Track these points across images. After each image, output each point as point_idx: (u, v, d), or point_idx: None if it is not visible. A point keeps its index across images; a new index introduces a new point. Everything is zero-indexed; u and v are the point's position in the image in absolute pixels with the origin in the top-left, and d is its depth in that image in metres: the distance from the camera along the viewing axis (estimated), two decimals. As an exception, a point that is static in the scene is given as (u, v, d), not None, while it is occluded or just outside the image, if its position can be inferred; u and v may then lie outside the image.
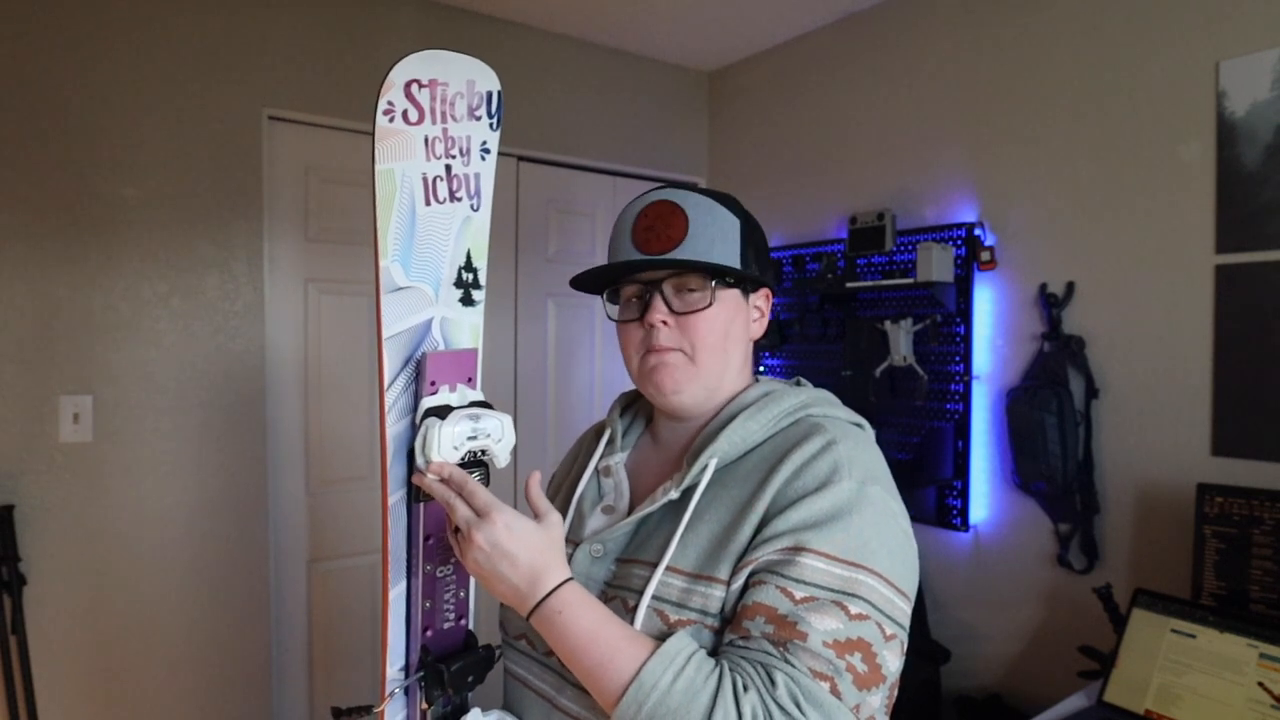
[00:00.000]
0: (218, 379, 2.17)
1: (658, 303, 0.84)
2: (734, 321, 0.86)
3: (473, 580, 0.92)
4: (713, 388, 0.87)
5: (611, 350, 2.93)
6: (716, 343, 0.85)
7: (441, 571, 0.88)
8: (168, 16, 2.08)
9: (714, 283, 0.84)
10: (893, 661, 0.72)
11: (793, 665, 0.67)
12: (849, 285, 2.44)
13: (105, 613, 2.03)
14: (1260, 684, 1.39)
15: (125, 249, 2.04)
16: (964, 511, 2.25)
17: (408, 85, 0.84)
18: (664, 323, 0.84)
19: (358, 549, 2.44)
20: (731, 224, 0.85)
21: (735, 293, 0.86)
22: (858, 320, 2.50)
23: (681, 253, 0.82)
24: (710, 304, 0.84)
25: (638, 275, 0.86)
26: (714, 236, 0.84)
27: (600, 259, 2.89)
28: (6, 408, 1.91)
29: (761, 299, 0.91)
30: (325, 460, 2.38)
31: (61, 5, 1.95)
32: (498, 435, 0.84)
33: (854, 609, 0.70)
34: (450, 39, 2.51)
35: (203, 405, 2.15)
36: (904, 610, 0.74)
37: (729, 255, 0.84)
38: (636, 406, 1.00)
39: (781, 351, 2.79)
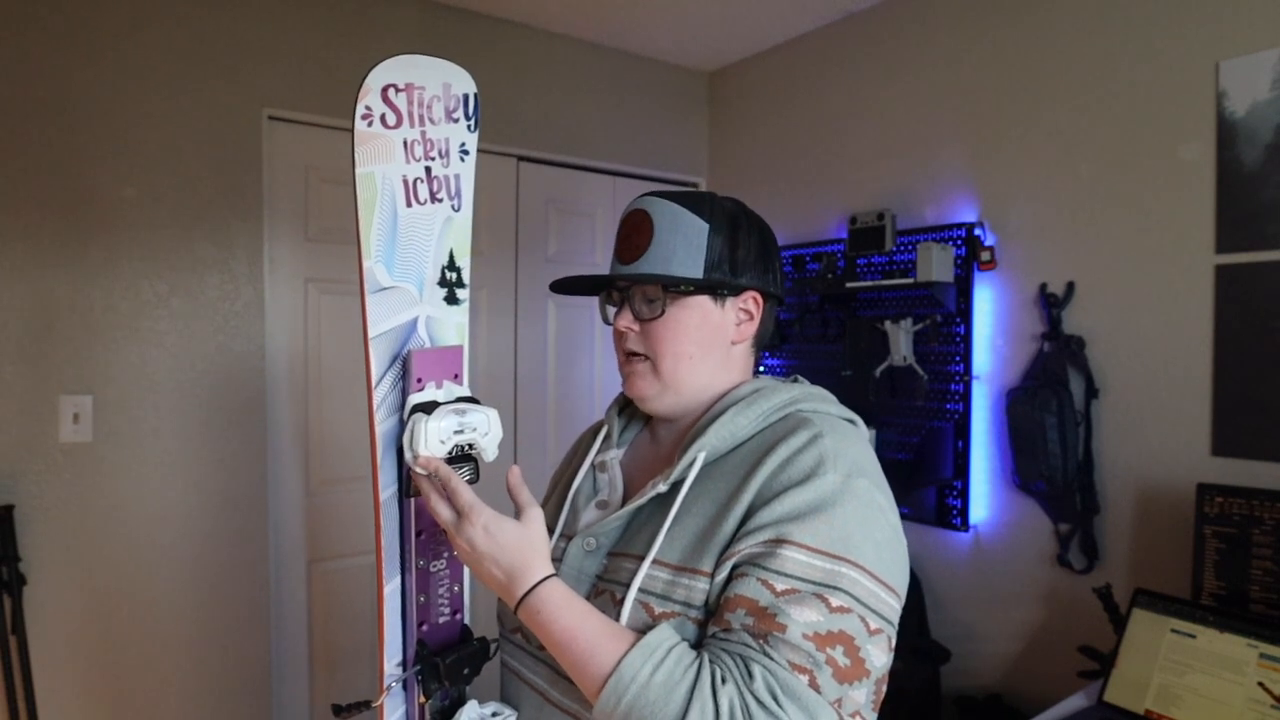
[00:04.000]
0: (218, 379, 2.17)
1: (625, 310, 0.88)
2: (700, 327, 0.87)
3: (467, 574, 0.93)
4: (684, 392, 0.88)
5: (610, 351, 2.93)
6: (678, 350, 0.86)
7: (435, 566, 0.89)
8: (167, 16, 2.08)
9: (666, 293, 0.85)
10: (878, 656, 0.71)
11: (771, 658, 0.68)
12: (849, 285, 2.45)
13: (105, 613, 2.03)
14: (1260, 684, 1.39)
15: (125, 249, 2.04)
16: (964, 511, 2.25)
17: (384, 90, 0.86)
18: (629, 329, 0.87)
19: (358, 549, 2.44)
20: (698, 230, 0.85)
21: (701, 299, 0.87)
22: (858, 320, 2.50)
23: (640, 264, 0.86)
24: (662, 313, 0.86)
25: (616, 283, 0.89)
26: (675, 246, 0.85)
27: (600, 258, 2.90)
28: (6, 408, 1.91)
29: (748, 302, 0.89)
30: (325, 460, 2.38)
31: (61, 6, 1.95)
32: (484, 429, 0.85)
33: (835, 601, 0.70)
34: (450, 39, 2.51)
35: (203, 405, 2.15)
36: (890, 605, 0.74)
37: (689, 263, 0.85)
38: (634, 405, 1.01)
39: (781, 351, 2.79)
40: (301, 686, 2.36)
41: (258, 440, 2.24)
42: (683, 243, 0.85)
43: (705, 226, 0.86)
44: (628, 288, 0.88)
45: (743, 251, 0.88)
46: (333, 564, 2.40)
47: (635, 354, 0.88)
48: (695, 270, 0.85)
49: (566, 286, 0.93)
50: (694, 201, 0.87)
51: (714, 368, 0.88)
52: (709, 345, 0.88)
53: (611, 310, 0.92)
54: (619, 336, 0.89)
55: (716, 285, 0.86)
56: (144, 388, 2.07)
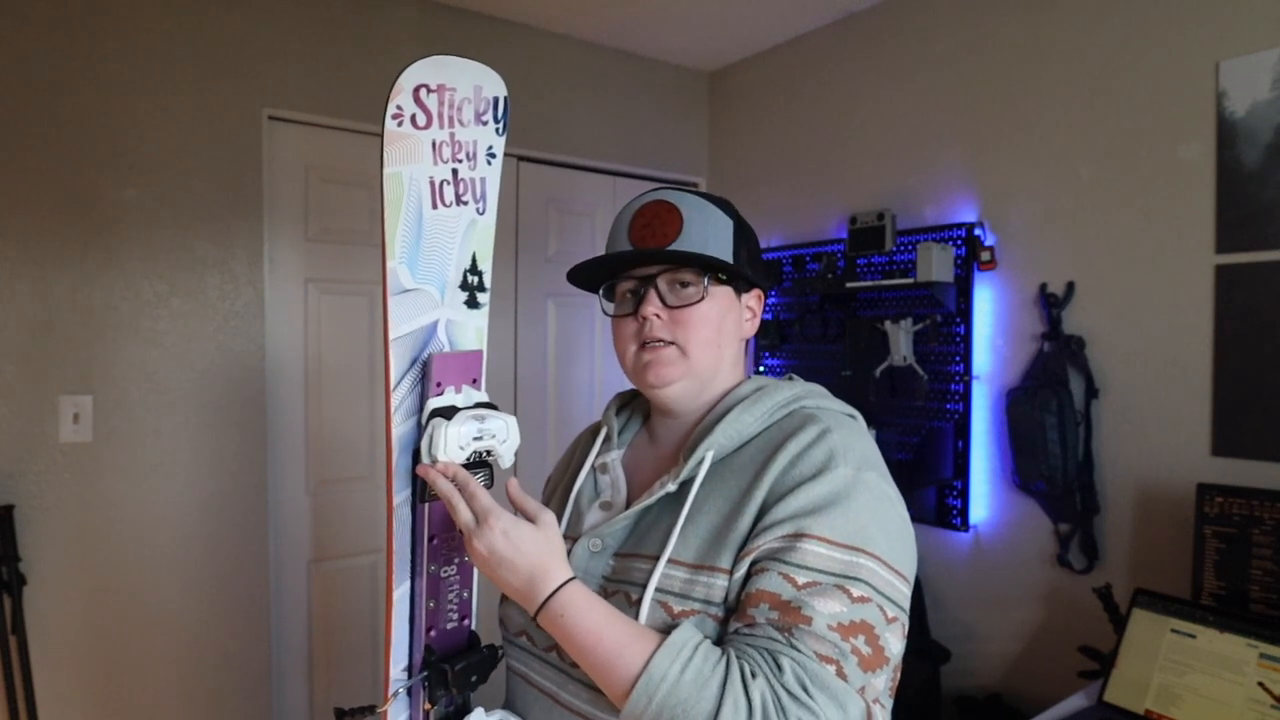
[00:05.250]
0: (218, 379, 2.17)
1: (651, 296, 0.86)
2: (726, 317, 0.88)
3: (476, 581, 0.92)
4: (705, 382, 0.88)
5: (611, 351, 2.93)
6: (709, 337, 0.86)
7: (445, 572, 0.88)
8: (168, 16, 2.08)
9: (707, 277, 0.85)
10: (895, 644, 0.73)
11: (798, 650, 0.68)
12: (849, 285, 2.45)
13: (105, 612, 2.03)
14: (1260, 684, 1.39)
15: (125, 249, 2.04)
16: (964, 511, 2.25)
17: (416, 90, 0.85)
18: (657, 316, 0.85)
19: (358, 549, 2.44)
20: (725, 225, 0.88)
21: (728, 290, 0.88)
22: (858, 320, 2.50)
23: (677, 247, 0.85)
24: (703, 298, 0.85)
25: (633, 270, 0.88)
26: (708, 235, 0.86)
27: (600, 259, 2.90)
28: (6, 408, 1.91)
29: (753, 299, 0.92)
30: (325, 460, 2.38)
31: (62, 6, 1.95)
32: (503, 436, 0.85)
33: (856, 592, 0.71)
34: (450, 39, 2.51)
35: (203, 405, 2.15)
36: (904, 593, 0.75)
37: (722, 253, 0.86)
38: (633, 406, 1.01)
39: (781, 351, 2.79)
40: (301, 686, 2.36)
41: (258, 440, 2.23)
42: (713, 234, 0.86)
43: (730, 222, 0.88)
44: (653, 275, 0.86)
45: (753, 251, 0.91)
46: (333, 564, 2.40)
47: (660, 340, 0.86)
48: (726, 259, 0.86)
49: (594, 273, 0.89)
50: (715, 200, 0.89)
51: (732, 361, 0.90)
52: (730, 337, 0.89)
53: (610, 304, 0.91)
54: (639, 324, 0.86)
55: (745, 278, 0.88)
56: (144, 388, 2.07)
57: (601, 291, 0.92)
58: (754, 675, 0.67)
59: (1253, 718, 1.37)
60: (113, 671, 2.05)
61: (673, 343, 0.86)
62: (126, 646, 2.06)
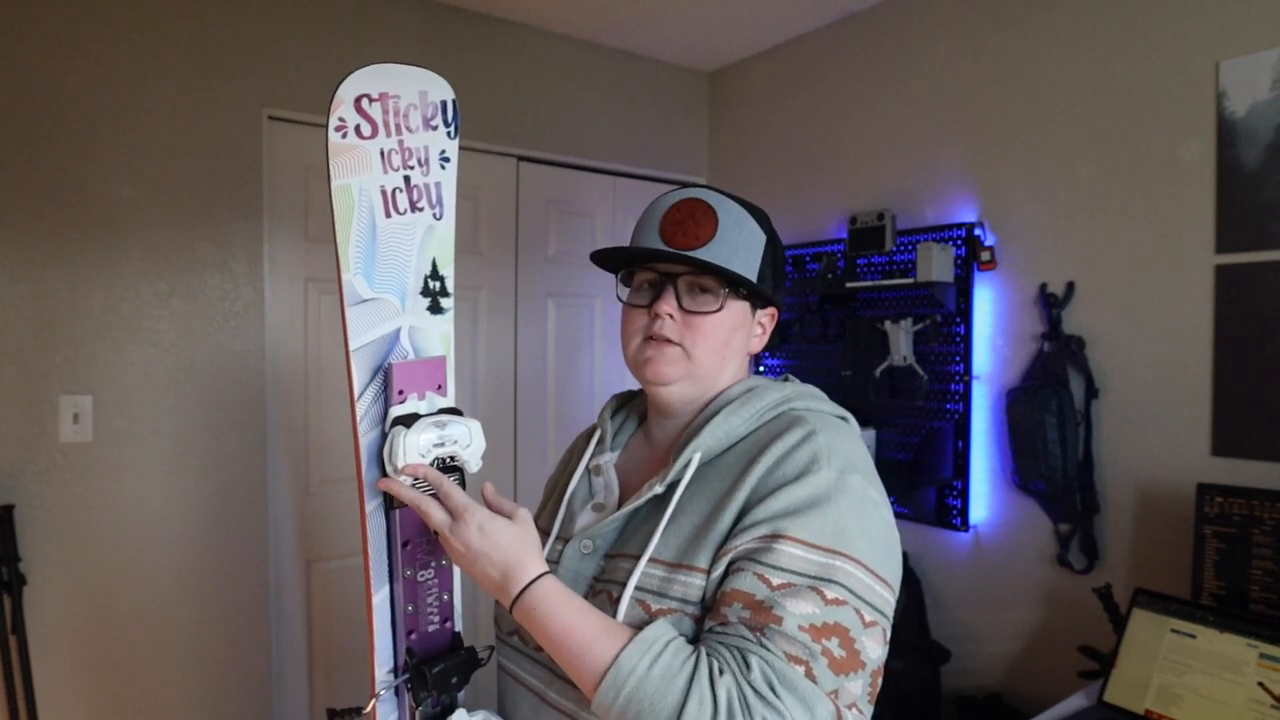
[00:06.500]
0: (218, 379, 2.17)
1: (669, 295, 0.85)
2: (737, 331, 0.88)
3: (458, 583, 0.93)
4: (703, 388, 0.88)
5: (611, 351, 2.93)
6: (716, 347, 0.86)
7: (423, 576, 0.89)
8: (168, 16, 2.08)
9: (727, 290, 0.85)
10: (873, 648, 0.72)
11: (768, 649, 0.68)
12: (849, 285, 2.45)
13: (105, 612, 2.03)
14: (1260, 684, 1.39)
15: (125, 249, 2.04)
16: (964, 511, 2.24)
17: (357, 100, 0.85)
18: (670, 316, 0.85)
19: (357, 549, 2.40)
20: (759, 239, 0.87)
21: (745, 305, 0.88)
22: (858, 320, 2.50)
23: (705, 254, 0.83)
24: (720, 309, 0.85)
25: (656, 264, 0.87)
26: (739, 246, 0.85)
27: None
28: (6, 408, 1.91)
29: (766, 317, 0.92)
30: (325, 459, 2.38)
31: (62, 5, 1.95)
32: (465, 441, 0.86)
33: (830, 594, 0.71)
34: (450, 39, 2.51)
35: (203, 405, 2.15)
36: (885, 598, 0.75)
37: (749, 267, 0.85)
38: (629, 407, 1.01)
39: (781, 351, 2.79)
40: (301, 686, 2.36)
41: (257, 440, 2.23)
42: (744, 246, 0.85)
43: (764, 238, 0.87)
44: (676, 274, 0.86)
45: (778, 269, 0.90)
46: (332, 564, 2.40)
47: (667, 340, 0.85)
48: (751, 276, 0.85)
49: (616, 258, 0.89)
50: (754, 211, 0.88)
51: (733, 373, 0.90)
52: (736, 350, 0.89)
53: (626, 290, 0.90)
54: (649, 320, 0.86)
55: (763, 296, 0.88)
56: (144, 388, 2.07)
57: (620, 276, 0.92)
58: (721, 672, 0.67)
59: (1253, 718, 1.37)
60: (113, 671, 2.05)
61: (679, 344, 0.85)
62: (126, 646, 2.06)
